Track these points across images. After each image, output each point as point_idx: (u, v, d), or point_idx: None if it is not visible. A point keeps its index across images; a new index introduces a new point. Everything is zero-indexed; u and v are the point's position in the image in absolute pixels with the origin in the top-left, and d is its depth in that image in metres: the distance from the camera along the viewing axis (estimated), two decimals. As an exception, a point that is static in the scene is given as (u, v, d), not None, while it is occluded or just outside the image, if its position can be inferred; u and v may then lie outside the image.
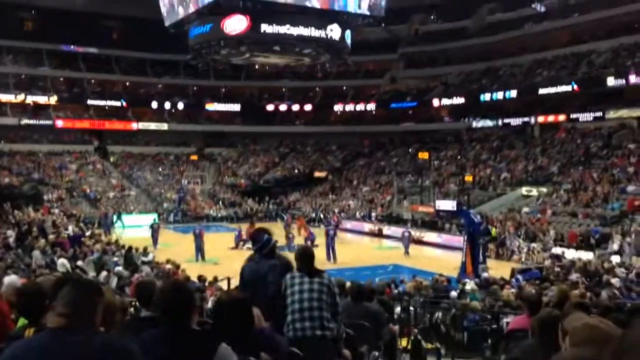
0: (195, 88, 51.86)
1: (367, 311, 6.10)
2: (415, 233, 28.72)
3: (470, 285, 14.07)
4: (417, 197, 34.45)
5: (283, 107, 51.36)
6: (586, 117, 35.86)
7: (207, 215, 38.65)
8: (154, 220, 31.43)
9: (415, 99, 47.38)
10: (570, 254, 21.97)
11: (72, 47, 47.01)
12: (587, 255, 20.83)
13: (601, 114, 34.74)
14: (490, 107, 42.05)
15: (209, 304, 9.23)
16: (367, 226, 33.99)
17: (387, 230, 32.26)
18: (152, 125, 48.41)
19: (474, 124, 42.48)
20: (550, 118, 37.83)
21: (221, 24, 23.55)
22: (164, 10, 26.16)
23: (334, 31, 24.46)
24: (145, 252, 19.45)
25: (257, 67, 41.69)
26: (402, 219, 33.47)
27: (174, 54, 43.08)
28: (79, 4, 42.99)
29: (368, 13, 24.79)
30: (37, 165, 41.48)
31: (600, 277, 14.54)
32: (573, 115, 36.39)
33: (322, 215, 37.32)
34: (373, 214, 35.44)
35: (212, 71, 44.68)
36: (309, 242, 24.08)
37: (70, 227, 24.13)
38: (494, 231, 26.44)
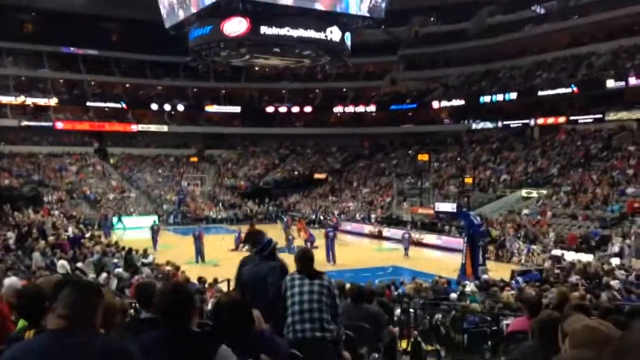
0: (195, 90, 51.87)
1: (367, 313, 6.10)
2: (415, 235, 28.72)
3: (470, 287, 14.08)
4: (416, 199, 34.41)
5: (283, 109, 51.39)
6: (586, 119, 35.88)
7: (207, 217, 38.64)
8: (154, 222, 31.40)
9: (415, 101, 47.39)
10: (570, 256, 21.97)
11: (72, 49, 47.05)
12: (586, 258, 20.84)
13: (601, 116, 34.77)
14: (490, 109, 42.08)
15: (209, 306, 9.22)
16: (366, 228, 34.00)
17: (386, 232, 32.29)
18: (152, 127, 48.46)
19: (474, 126, 42.51)
20: (550, 120, 37.86)
21: (221, 26, 23.55)
22: (163, 12, 26.18)
23: (333, 33, 24.46)
24: (145, 254, 19.46)
25: (257, 68, 41.75)
26: (401, 220, 33.47)
27: (173, 55, 43.12)
28: (78, 6, 43.04)
29: (368, 15, 24.80)
30: (37, 166, 41.47)
31: (600, 279, 14.54)
32: (573, 117, 36.44)
33: (321, 217, 37.32)
34: (373, 216, 35.44)
35: (212, 73, 44.70)
36: (308, 244, 24.08)
37: (70, 229, 24.14)
38: (494, 233, 26.46)
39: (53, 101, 45.46)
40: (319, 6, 23.40)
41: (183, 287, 3.00)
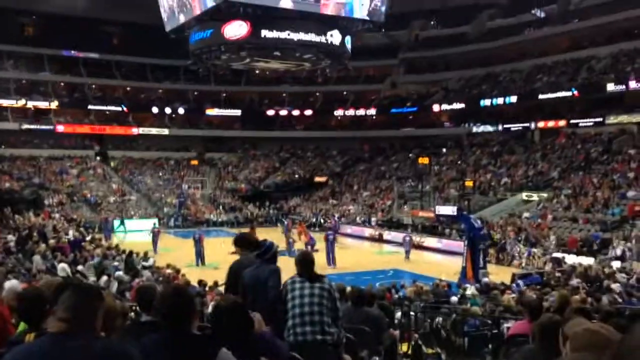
0: (195, 93, 51.92)
1: (367, 316, 6.10)
2: (416, 238, 28.72)
3: (470, 290, 14.07)
4: (417, 202, 34.43)
5: (283, 112, 51.42)
6: (586, 122, 35.89)
7: (207, 220, 38.65)
8: (154, 224, 31.44)
9: (415, 104, 47.42)
10: (571, 259, 21.95)
11: (72, 52, 47.12)
12: (587, 261, 20.82)
13: (601, 120, 34.77)
14: (491, 112, 42.12)
15: (210, 309, 9.21)
16: (367, 231, 33.99)
17: (387, 235, 32.28)
18: (153, 130, 48.47)
19: (474, 129, 42.52)
20: (551, 123, 37.86)
21: (222, 30, 23.57)
22: (164, 15, 26.20)
23: (334, 37, 24.47)
24: (145, 257, 19.47)
25: (257, 72, 41.69)
26: (402, 224, 33.48)
27: (174, 59, 43.16)
28: (79, 9, 43.12)
29: (368, 18, 24.81)
30: (37, 170, 41.51)
31: (601, 282, 14.53)
32: (573, 121, 36.43)
33: (322, 220, 37.32)
34: (373, 219, 35.43)
35: (212, 76, 44.76)
36: (309, 247, 24.08)
37: (70, 232, 24.17)
38: (495, 236, 26.45)
39: (54, 104, 45.51)
40: (324, 11, 23.38)
41: (183, 290, 3.01)
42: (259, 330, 3.48)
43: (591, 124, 35.66)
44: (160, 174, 45.92)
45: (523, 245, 25.17)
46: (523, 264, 23.59)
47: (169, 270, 16.74)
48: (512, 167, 36.36)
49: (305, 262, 4.52)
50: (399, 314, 10.69)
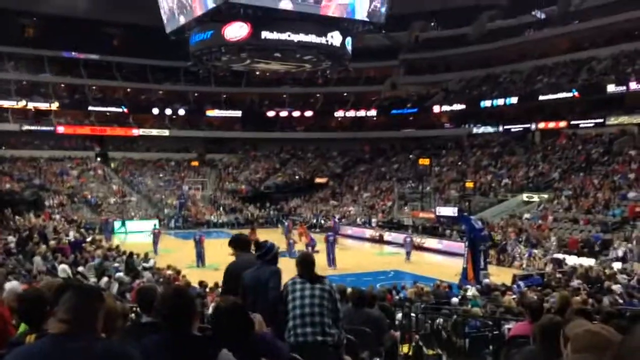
0: (196, 94, 51.96)
1: (368, 317, 6.10)
2: (416, 239, 28.71)
3: (471, 291, 14.06)
4: (417, 203, 34.44)
5: (284, 113, 51.47)
6: (587, 123, 35.88)
7: (207, 221, 38.66)
8: (154, 225, 31.46)
9: (415, 105, 47.44)
10: (572, 260, 21.94)
11: (73, 53, 47.17)
12: (588, 262, 20.81)
13: (602, 121, 34.76)
14: (491, 113, 42.13)
15: (210, 310, 9.21)
16: (368, 232, 33.99)
17: (388, 236, 32.26)
18: (153, 132, 48.49)
19: (475, 130, 42.52)
20: (551, 124, 37.84)
21: (222, 31, 23.59)
22: (164, 17, 26.22)
23: (334, 38, 24.49)
24: (146, 258, 19.47)
25: (257, 73, 41.77)
26: (403, 225, 33.47)
27: (174, 60, 43.20)
28: (79, 10, 43.17)
29: (367, 19, 24.82)
30: (38, 171, 41.53)
31: (602, 283, 14.53)
32: (574, 122, 36.42)
33: (322, 221, 37.31)
34: (374, 220, 35.42)
35: (212, 77, 44.83)
36: (309, 248, 24.09)
37: (71, 233, 24.16)
38: (496, 237, 26.43)
39: (54, 106, 45.55)
40: (326, 12, 23.37)
41: (184, 291, 3.00)
42: (259, 331, 3.48)
43: (592, 125, 35.65)
44: (161, 175, 45.92)
45: (524, 247, 25.16)
46: (524, 265, 23.59)
47: (169, 272, 16.75)
48: (513, 168, 36.35)
49: (305, 263, 4.52)
50: (399, 315, 10.68)
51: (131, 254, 18.95)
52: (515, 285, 15.87)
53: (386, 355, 6.10)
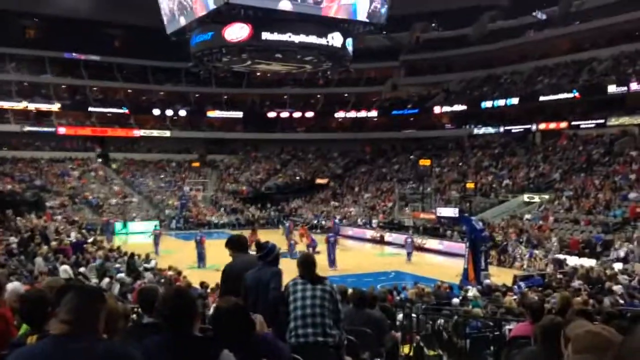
0: (197, 95, 52.01)
1: (369, 318, 6.10)
2: (417, 240, 28.70)
3: (472, 292, 14.06)
4: (418, 204, 34.42)
5: (284, 114, 51.48)
6: (588, 124, 35.86)
7: (208, 222, 38.66)
8: (155, 226, 31.46)
9: (416, 106, 47.45)
10: (573, 260, 21.91)
11: (74, 54, 47.24)
12: (589, 262, 20.79)
13: (603, 121, 34.74)
14: (492, 114, 42.13)
15: (211, 311, 9.21)
16: (368, 233, 33.98)
17: (388, 237, 32.24)
18: (154, 132, 48.55)
19: (476, 131, 42.52)
20: (552, 125, 37.83)
21: (223, 32, 23.59)
22: (165, 18, 26.23)
23: (335, 39, 24.48)
24: (147, 259, 19.48)
25: (258, 74, 41.83)
26: (403, 225, 33.45)
27: (175, 61, 43.26)
28: (81, 12, 43.19)
29: (367, 20, 24.81)
30: (39, 172, 41.55)
31: (603, 284, 14.51)
32: (574, 123, 36.41)
33: (323, 222, 37.30)
34: (374, 221, 35.40)
35: (213, 78, 44.80)
36: (310, 249, 24.08)
37: (72, 234, 24.15)
38: (496, 238, 26.42)
39: (55, 107, 45.60)
40: (328, 13, 23.35)
41: (185, 292, 3.01)
42: (260, 332, 3.49)
43: (592, 125, 35.63)
44: (162, 176, 45.95)
45: (524, 247, 25.13)
46: (525, 266, 23.57)
47: (170, 272, 16.76)
48: (514, 168, 36.33)
49: (307, 264, 4.52)
50: (400, 316, 10.68)
51: (132, 254, 18.97)
52: (516, 286, 15.86)
53: (387, 356, 6.11)
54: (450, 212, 27.51)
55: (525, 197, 32.15)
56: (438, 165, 40.33)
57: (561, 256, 22.99)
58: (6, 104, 44.05)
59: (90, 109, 47.47)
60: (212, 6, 22.48)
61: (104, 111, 48.14)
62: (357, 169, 47.58)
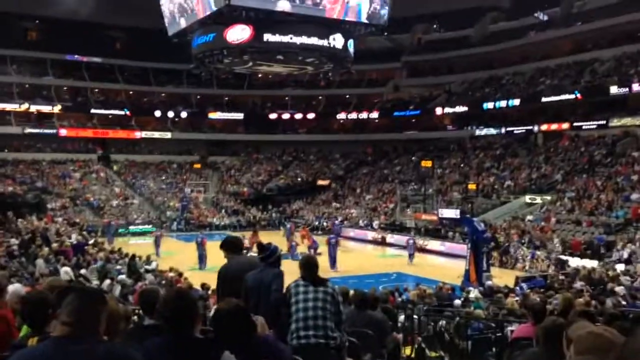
0: (198, 97, 52.06)
1: (370, 319, 6.09)
2: (419, 241, 28.68)
3: (474, 293, 14.04)
4: (420, 205, 34.39)
5: (286, 116, 51.49)
6: (590, 125, 35.84)
7: (210, 224, 38.64)
8: (156, 228, 31.46)
9: (418, 108, 47.46)
10: (575, 262, 21.88)
11: (75, 56, 47.32)
12: (591, 264, 20.75)
13: (605, 122, 34.73)
14: (494, 115, 42.12)
15: (212, 312, 9.20)
16: (370, 234, 33.95)
17: (390, 238, 32.22)
18: (155, 134, 48.62)
19: (477, 132, 42.51)
20: (554, 126, 37.82)
21: (224, 34, 23.59)
22: (166, 20, 26.27)
23: (336, 40, 24.48)
24: (148, 261, 19.48)
25: (260, 75, 41.85)
26: (405, 227, 33.42)
27: (177, 63, 43.30)
28: (82, 14, 43.27)
29: (367, 22, 24.82)
30: (40, 173, 41.60)
31: (605, 285, 14.49)
32: (576, 124, 36.41)
33: (324, 224, 37.27)
34: (376, 222, 35.39)
35: (215, 80, 44.85)
36: (312, 251, 24.05)
37: (73, 236, 24.15)
38: (498, 239, 26.38)
39: (57, 108, 45.67)
40: (331, 15, 23.35)
41: (186, 294, 3.00)
42: (261, 334, 3.48)
43: (594, 126, 35.61)
44: (163, 178, 45.98)
45: (526, 248, 25.11)
46: (527, 267, 23.54)
47: (171, 274, 16.74)
48: (516, 170, 36.31)
49: (309, 266, 4.52)
50: (402, 318, 10.67)
51: (133, 256, 18.96)
52: (518, 287, 15.84)
53: (388, 358, 6.10)
54: (452, 213, 27.42)
55: (527, 198, 32.13)
56: (440, 166, 40.30)
57: (563, 257, 22.97)
58: (8, 106, 44.13)
59: (91, 110, 47.55)
60: (213, 7, 22.49)
61: (105, 113, 48.22)
62: (358, 170, 47.57)
